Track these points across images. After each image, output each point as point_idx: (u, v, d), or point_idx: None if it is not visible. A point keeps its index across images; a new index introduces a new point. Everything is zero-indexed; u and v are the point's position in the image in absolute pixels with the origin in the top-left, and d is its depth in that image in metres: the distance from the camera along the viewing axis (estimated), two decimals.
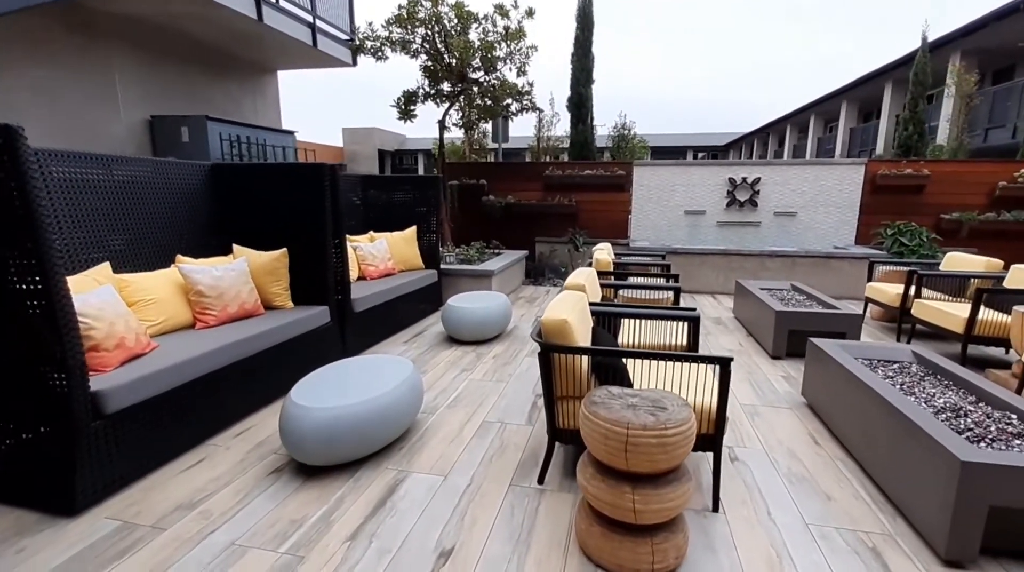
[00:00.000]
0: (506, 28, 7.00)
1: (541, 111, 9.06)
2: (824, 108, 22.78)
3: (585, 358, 2.45)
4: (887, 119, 17.31)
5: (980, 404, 2.65)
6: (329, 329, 4.04)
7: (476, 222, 8.85)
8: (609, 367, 2.45)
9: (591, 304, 3.28)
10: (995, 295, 4.15)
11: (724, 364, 2.27)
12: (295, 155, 9.86)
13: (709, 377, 2.51)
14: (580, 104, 9.40)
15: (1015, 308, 3.86)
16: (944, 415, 2.52)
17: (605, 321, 3.28)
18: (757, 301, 5.03)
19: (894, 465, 2.42)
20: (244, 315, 3.57)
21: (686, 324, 3.22)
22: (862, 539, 2.20)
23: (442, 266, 6.46)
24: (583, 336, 2.63)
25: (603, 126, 10.45)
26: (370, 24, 7.13)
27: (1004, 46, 12.72)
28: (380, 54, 7.10)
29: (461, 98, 7.41)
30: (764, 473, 2.70)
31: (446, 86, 7.39)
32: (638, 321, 3.34)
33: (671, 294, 4.21)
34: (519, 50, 7.11)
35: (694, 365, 2.71)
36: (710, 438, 2.37)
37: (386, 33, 7.04)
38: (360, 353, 4.50)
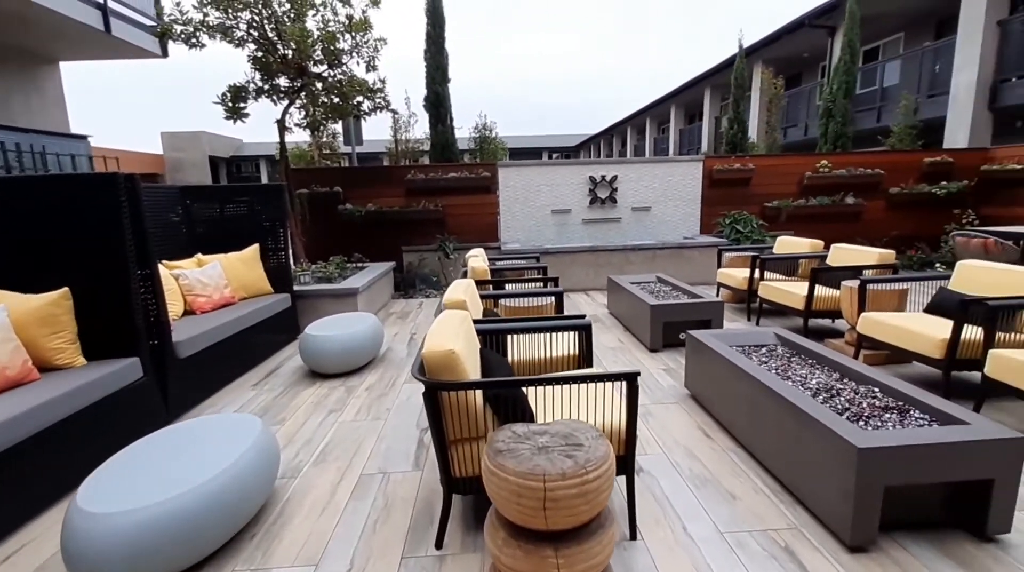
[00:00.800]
0: (349, 17, 6.33)
1: (396, 111, 8.48)
2: (657, 111, 25.29)
3: (479, 392, 2.07)
4: (708, 120, 19.69)
5: (845, 380, 2.82)
6: (142, 386, 3.14)
7: (333, 234, 7.99)
8: (507, 399, 2.11)
9: (475, 321, 2.92)
10: (823, 273, 4.65)
11: (630, 380, 2.06)
12: (90, 165, 8.02)
13: (615, 394, 2.30)
14: (438, 103, 9.01)
15: (843, 283, 4.34)
16: (821, 396, 2.63)
17: (492, 339, 2.95)
18: (631, 296, 5.12)
19: (787, 453, 2.44)
20: (6, 385, 2.58)
21: (577, 333, 3.02)
22: (774, 539, 2.14)
23: (296, 288, 5.62)
24: (472, 365, 2.26)
25: (461, 128, 10.19)
26: (178, 4, 5.94)
27: (793, 56, 15.15)
28: (194, 41, 5.96)
29: (302, 94, 6.55)
30: (670, 481, 2.58)
31: (283, 81, 6.48)
32: (527, 334, 3.06)
33: (553, 299, 4.03)
34: (366, 43, 6.48)
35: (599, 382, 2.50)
36: (622, 460, 2.16)
37: (200, 16, 5.92)
38: (190, 412, 3.60)
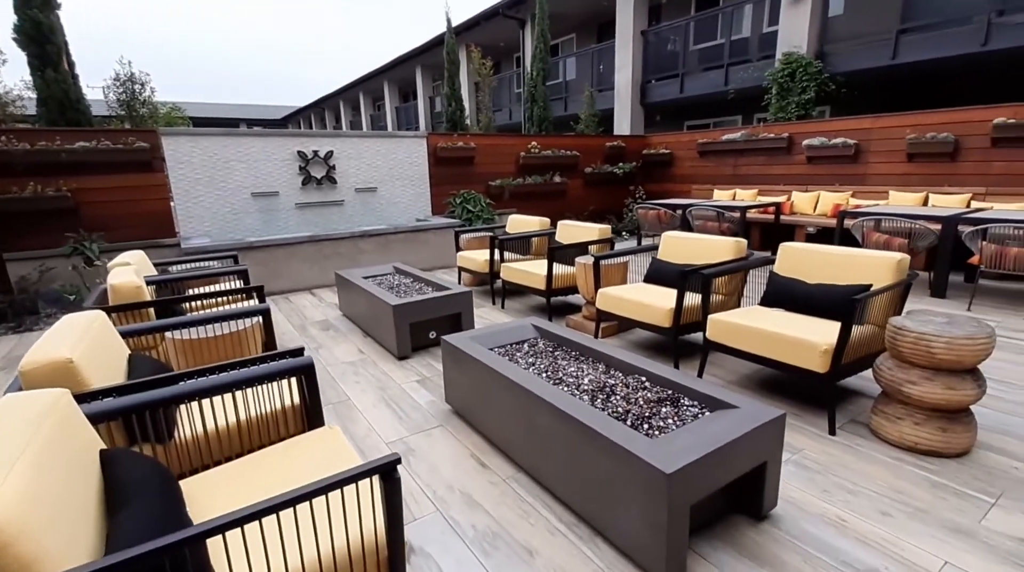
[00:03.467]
0: None
1: None
2: (371, 87, 24.15)
3: None
4: (423, 100, 19.67)
5: (613, 372, 2.61)
6: None
7: None
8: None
9: (89, 398, 1.62)
10: (558, 251, 4.66)
11: (386, 474, 1.25)
12: None
13: (363, 491, 1.44)
14: (40, 37, 5.99)
15: (578, 260, 4.37)
16: (599, 399, 2.32)
17: (137, 420, 1.70)
18: (367, 294, 4.24)
19: (578, 478, 2.03)
20: None
21: (295, 379, 2.02)
22: None
23: None
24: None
25: (101, 84, 7.19)
26: None
27: (493, 44, 16.07)
28: None
29: None
30: (454, 556, 1.90)
31: None
32: (208, 399, 1.90)
33: (259, 319, 2.85)
34: None
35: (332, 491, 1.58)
36: None
37: None
38: None
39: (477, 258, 5.44)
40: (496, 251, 5.14)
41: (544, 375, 2.60)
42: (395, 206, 7.53)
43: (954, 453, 2.44)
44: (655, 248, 4.31)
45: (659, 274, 4.01)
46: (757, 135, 8.18)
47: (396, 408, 3.11)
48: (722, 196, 8.47)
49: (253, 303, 3.45)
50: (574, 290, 4.68)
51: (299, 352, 2.04)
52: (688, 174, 9.49)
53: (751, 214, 7.37)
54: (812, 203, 7.33)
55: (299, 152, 6.79)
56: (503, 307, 5.20)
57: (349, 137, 7.19)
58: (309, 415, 2.00)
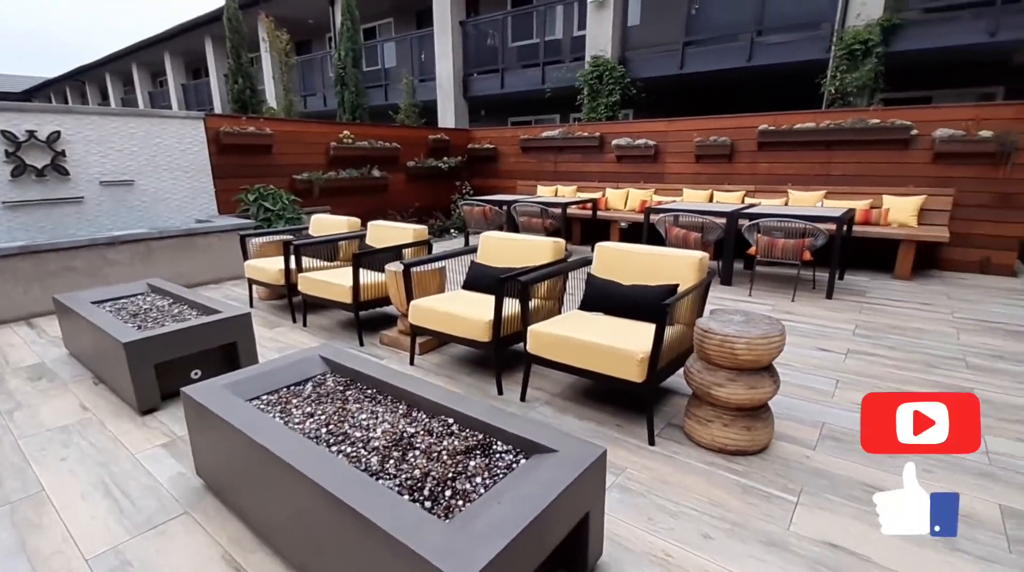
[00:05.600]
0: None
1: None
2: (148, 58, 20.05)
3: None
4: (216, 77, 16.89)
5: (416, 414, 2.10)
6: None
7: None
8: None
9: None
10: (365, 257, 4.01)
11: None
12: None
13: None
14: None
15: (387, 268, 3.79)
16: (391, 461, 1.78)
17: None
18: (92, 327, 3.10)
19: None
20: None
21: None
22: None
23: None
24: None
25: None
26: None
27: (300, 20, 14.34)
28: None
29: None
30: None
31: None
32: None
33: None
34: None
35: None
36: None
37: None
38: None
39: (269, 268, 4.49)
40: (292, 258, 4.28)
41: (325, 430, 1.99)
42: (164, 204, 6.03)
43: (757, 449, 2.47)
44: (475, 250, 3.93)
45: (478, 280, 3.63)
46: (573, 133, 8.44)
47: (119, 495, 2.20)
48: (545, 192, 8.59)
49: None
50: (388, 301, 4.08)
51: None
52: (513, 170, 9.48)
53: (572, 210, 7.55)
54: (623, 199, 7.77)
55: (5, 133, 4.97)
56: (305, 325, 4.37)
57: (86, 114, 5.50)
58: None
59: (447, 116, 11.33)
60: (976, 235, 5.56)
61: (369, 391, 2.33)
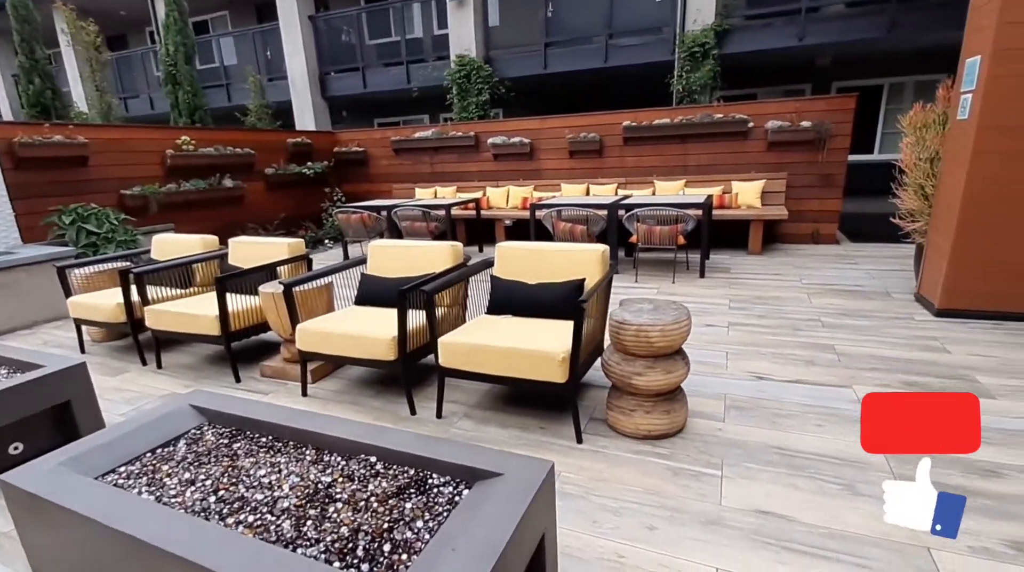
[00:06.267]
0: None
1: None
2: None
3: None
4: (2, 77, 13.80)
5: (328, 458, 1.79)
6: None
7: None
8: None
9: None
10: (232, 280, 3.45)
11: None
12: None
13: None
14: None
15: (261, 290, 3.32)
16: (309, 523, 1.48)
17: None
18: None
19: None
20: None
21: None
22: None
23: None
24: None
25: None
26: None
27: (110, 12, 12.20)
28: None
29: None
30: None
31: None
32: None
33: None
34: None
35: None
36: None
37: None
38: None
39: (103, 303, 3.69)
40: (133, 288, 3.55)
41: (215, 499, 1.60)
42: None
43: (678, 430, 2.54)
44: (364, 261, 3.59)
45: (373, 294, 3.32)
46: (447, 133, 8.26)
47: None
48: (424, 194, 8.31)
49: None
50: (266, 327, 3.57)
51: None
52: (386, 173, 9.03)
53: (455, 211, 7.38)
54: (505, 197, 7.80)
55: None
56: (160, 367, 3.66)
57: None
58: None
59: (305, 117, 10.45)
60: (806, 211, 6.49)
61: (263, 439, 1.95)
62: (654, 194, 6.82)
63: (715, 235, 6.47)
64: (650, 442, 2.48)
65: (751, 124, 6.51)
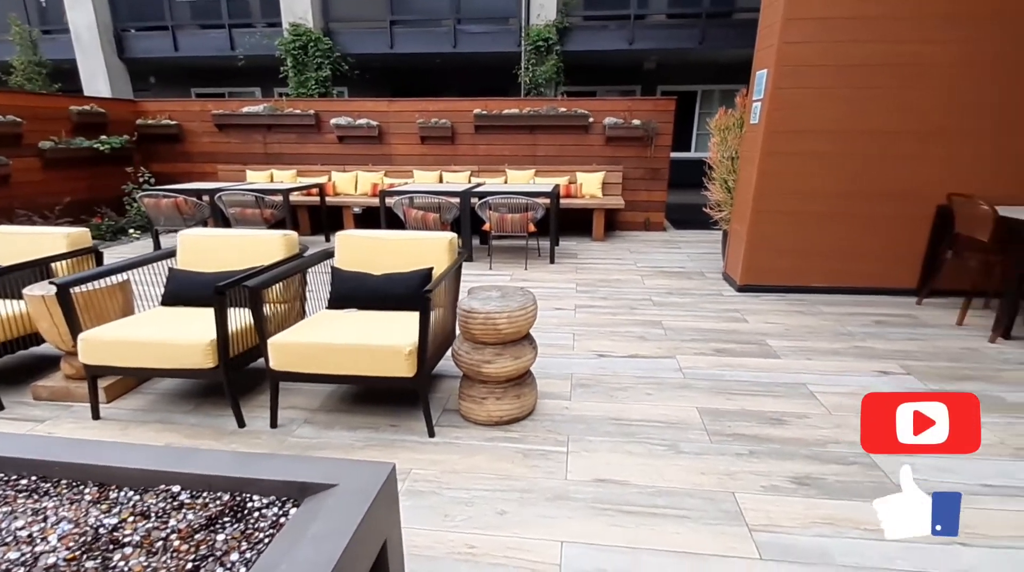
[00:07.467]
0: None
1: None
2: None
3: None
4: None
5: (112, 495, 1.46)
6: None
7: None
8: None
9: None
10: None
11: None
12: None
13: None
14: None
15: (27, 293, 2.66)
16: None
17: None
18: None
19: None
20: None
21: None
22: None
23: None
24: None
25: None
26: None
27: None
28: None
29: None
30: None
31: None
32: None
33: None
34: None
35: None
36: None
37: None
38: None
39: None
40: None
41: None
42: None
43: (528, 413, 2.60)
44: (173, 253, 3.06)
45: (184, 291, 2.85)
46: (283, 110, 7.47)
47: None
48: (258, 178, 7.44)
49: None
50: (39, 339, 2.87)
51: None
52: (209, 151, 7.88)
53: (295, 197, 6.74)
54: (353, 183, 7.33)
55: None
56: None
57: None
58: None
59: (96, 81, 8.66)
60: (639, 201, 7.18)
61: (23, 482, 1.53)
62: (506, 182, 6.96)
63: (563, 223, 6.84)
64: (502, 428, 2.50)
65: (591, 119, 6.97)
